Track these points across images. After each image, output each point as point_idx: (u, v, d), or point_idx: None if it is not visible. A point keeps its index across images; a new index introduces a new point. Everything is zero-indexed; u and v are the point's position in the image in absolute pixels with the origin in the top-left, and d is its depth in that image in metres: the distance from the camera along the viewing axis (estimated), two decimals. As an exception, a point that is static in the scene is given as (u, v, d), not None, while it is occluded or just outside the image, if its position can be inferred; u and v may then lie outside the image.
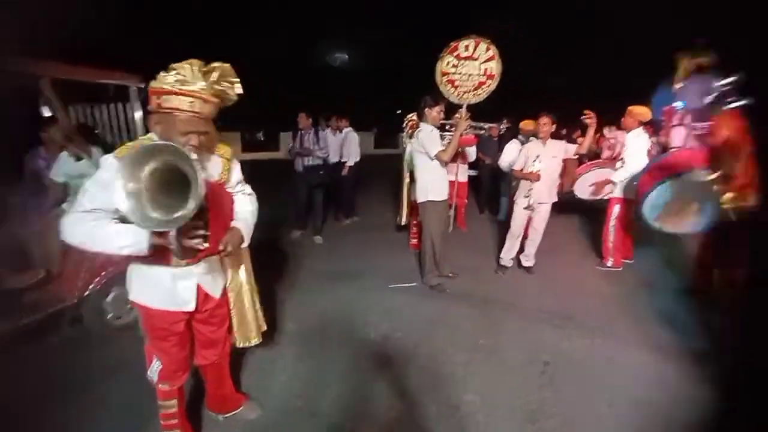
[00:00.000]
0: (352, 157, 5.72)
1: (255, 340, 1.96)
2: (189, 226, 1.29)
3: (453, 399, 2.21)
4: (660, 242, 4.38)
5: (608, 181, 4.01)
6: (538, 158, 3.64)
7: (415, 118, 4.00)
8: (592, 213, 5.51)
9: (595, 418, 2.09)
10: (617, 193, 4.02)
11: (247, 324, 1.93)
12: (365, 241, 5.06)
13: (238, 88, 1.50)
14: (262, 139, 18.92)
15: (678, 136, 3.96)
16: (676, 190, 3.09)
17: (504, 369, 2.49)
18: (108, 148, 3.26)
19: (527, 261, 4.05)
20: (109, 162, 1.35)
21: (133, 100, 3.21)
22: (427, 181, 3.42)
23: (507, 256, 4.02)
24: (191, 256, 1.42)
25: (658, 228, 3.20)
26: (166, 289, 1.54)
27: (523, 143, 4.84)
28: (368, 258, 4.43)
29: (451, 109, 4.55)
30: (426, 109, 3.37)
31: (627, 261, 4.19)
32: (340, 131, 5.74)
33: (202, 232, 1.36)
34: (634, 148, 3.88)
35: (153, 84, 1.36)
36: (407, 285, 3.69)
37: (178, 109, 1.35)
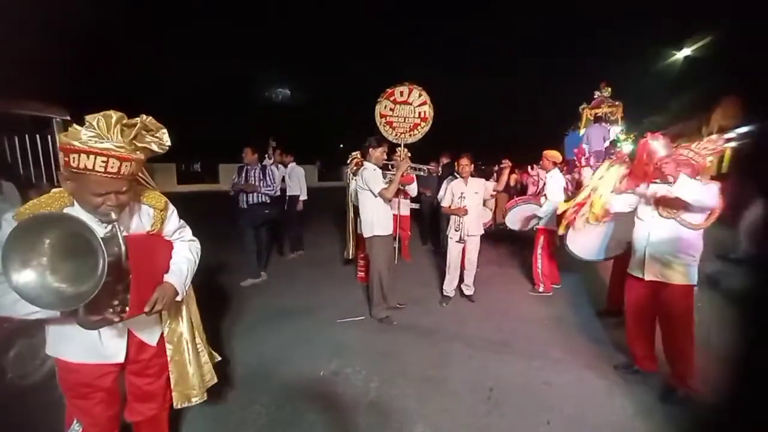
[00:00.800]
0: (304, 191, 5.75)
1: (197, 399, 1.75)
2: (101, 298, 1.15)
3: (405, 431, 2.23)
4: (582, 267, 4.87)
5: (532, 216, 4.48)
6: (462, 195, 3.97)
7: (358, 156, 4.17)
8: (523, 242, 5.99)
9: (534, 433, 2.23)
10: (542, 224, 4.47)
11: (188, 380, 1.74)
12: (313, 276, 4.99)
13: (166, 140, 1.38)
14: (199, 170, 18.11)
15: (587, 174, 4.59)
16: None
17: (452, 398, 2.56)
18: (23, 183, 2.97)
19: (468, 290, 4.28)
20: (9, 221, 1.19)
21: (54, 133, 2.99)
22: (372, 217, 3.54)
23: (449, 287, 4.22)
24: (106, 325, 1.29)
25: (578, 256, 3.60)
26: (89, 340, 1.38)
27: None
28: (316, 293, 4.37)
29: (391, 147, 4.86)
30: (370, 149, 3.55)
31: (555, 286, 4.60)
32: (285, 166, 5.76)
33: (117, 302, 1.24)
34: (552, 186, 4.39)
35: (62, 139, 1.20)
36: (356, 319, 3.69)
37: (90, 170, 1.19)
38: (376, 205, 3.51)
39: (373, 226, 3.53)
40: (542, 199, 4.49)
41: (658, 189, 2.47)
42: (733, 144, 4.46)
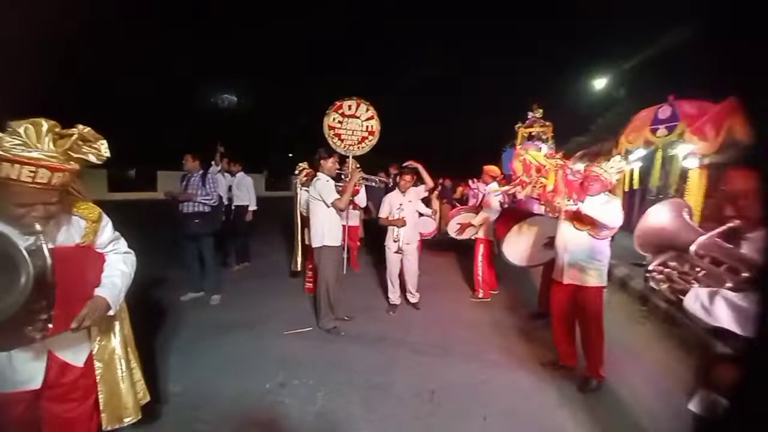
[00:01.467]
0: (253, 201, 5.64)
1: (130, 419, 1.68)
2: (20, 314, 1.08)
3: (351, 438, 2.31)
4: (517, 274, 5.27)
5: (470, 224, 4.79)
6: (401, 207, 4.16)
7: (306, 166, 4.23)
8: (465, 251, 6.33)
9: (472, 429, 2.41)
10: (481, 234, 4.80)
11: (120, 399, 1.65)
12: (259, 288, 4.91)
13: (105, 151, 1.34)
14: (134, 177, 16.84)
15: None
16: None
17: (397, 402, 2.67)
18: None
19: (413, 298, 4.45)
20: None
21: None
22: (323, 227, 3.60)
23: (393, 296, 4.37)
24: (25, 345, 1.22)
25: (512, 262, 3.93)
26: None
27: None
28: (262, 305, 4.30)
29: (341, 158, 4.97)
30: (321, 161, 3.63)
31: (493, 292, 4.93)
32: (232, 175, 5.64)
33: (40, 318, 1.17)
34: (491, 199, 4.75)
35: None
36: (303, 330, 3.70)
37: (15, 180, 1.12)
38: (328, 215, 3.58)
39: (323, 236, 3.59)
40: (481, 212, 4.84)
41: (569, 207, 2.81)
42: (637, 164, 5.16)
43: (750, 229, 1.31)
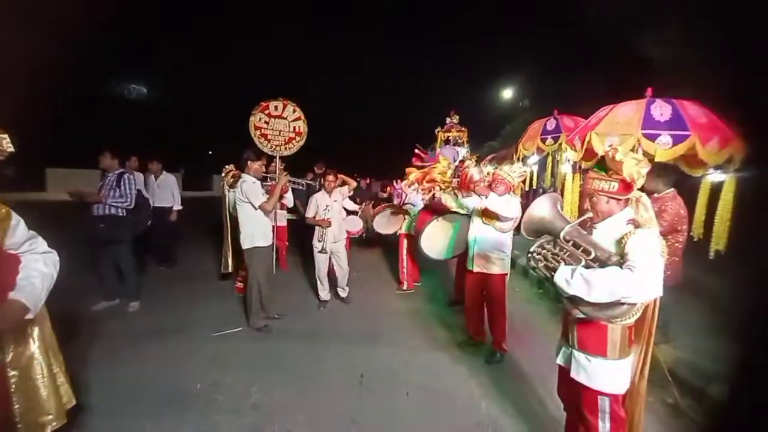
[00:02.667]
0: (178, 201, 5.35)
1: (56, 423, 1.61)
2: None
3: (288, 424, 2.44)
4: (437, 266, 5.76)
5: (403, 212, 5.12)
6: (327, 207, 4.35)
7: (233, 167, 4.19)
8: (390, 246, 6.72)
9: (398, 404, 2.70)
10: (404, 229, 5.18)
11: (41, 406, 1.58)
12: (185, 292, 4.73)
13: (8, 145, 1.31)
14: (15, 175, 14.35)
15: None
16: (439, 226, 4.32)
17: (329, 389, 2.86)
18: None
19: (343, 293, 4.66)
20: None
21: None
22: (252, 229, 3.63)
23: (323, 293, 4.53)
24: None
25: (429, 255, 4.33)
26: None
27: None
28: (188, 309, 4.18)
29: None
30: (249, 162, 3.65)
31: (417, 283, 5.35)
32: (154, 174, 5.34)
33: None
34: (412, 197, 5.15)
35: None
36: (233, 330, 3.69)
37: None
38: (256, 216, 3.61)
39: (253, 237, 3.62)
40: (406, 207, 5.22)
41: (478, 203, 3.26)
42: (534, 167, 6.00)
43: (598, 220, 1.76)
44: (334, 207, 4.37)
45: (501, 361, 3.30)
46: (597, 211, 1.74)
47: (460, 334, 3.80)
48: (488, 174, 3.56)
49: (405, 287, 5.17)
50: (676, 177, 3.25)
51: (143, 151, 5.45)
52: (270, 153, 5.54)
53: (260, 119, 5.54)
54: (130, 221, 4.13)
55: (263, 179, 3.94)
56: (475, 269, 3.33)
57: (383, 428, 2.47)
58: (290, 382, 2.92)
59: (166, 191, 5.42)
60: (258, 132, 5.52)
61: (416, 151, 5.46)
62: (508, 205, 3.11)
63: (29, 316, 1.43)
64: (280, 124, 5.73)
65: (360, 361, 3.28)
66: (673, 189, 3.10)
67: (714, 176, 3.43)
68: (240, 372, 2.99)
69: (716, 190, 3.32)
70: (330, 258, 4.45)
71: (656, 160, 3.05)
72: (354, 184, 4.55)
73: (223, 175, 4.20)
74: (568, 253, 1.72)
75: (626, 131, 3.21)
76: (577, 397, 1.80)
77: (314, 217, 4.35)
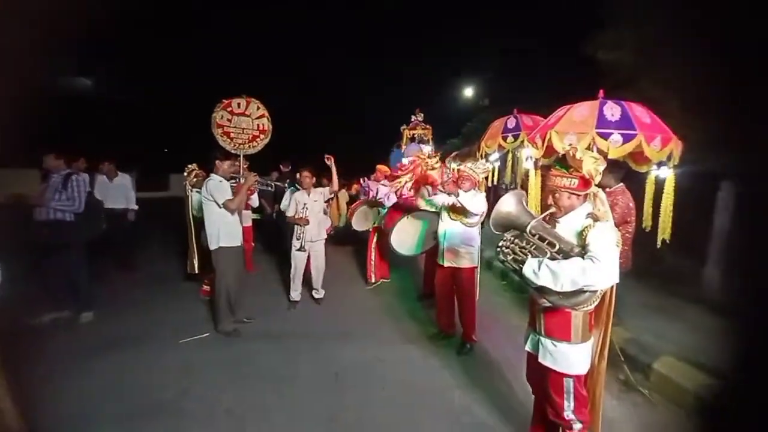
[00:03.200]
0: (133, 201, 5.07)
1: None
2: None
3: (264, 427, 2.42)
4: (406, 262, 5.85)
5: (379, 204, 5.16)
6: (305, 206, 4.32)
7: (196, 167, 4.04)
8: (360, 244, 6.72)
9: (374, 400, 2.74)
10: (375, 223, 5.22)
11: None
12: (145, 298, 4.50)
13: None
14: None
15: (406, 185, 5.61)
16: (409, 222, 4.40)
17: (304, 389, 2.85)
18: None
19: (317, 294, 4.62)
20: None
21: None
22: (218, 228, 3.52)
23: (295, 293, 4.47)
24: None
25: (399, 251, 4.41)
26: None
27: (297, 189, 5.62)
28: (151, 315, 4.00)
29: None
30: (217, 162, 3.56)
31: (385, 279, 5.41)
32: (108, 175, 5.04)
33: None
34: (382, 193, 5.20)
35: None
36: (201, 336, 3.57)
37: None
38: (222, 215, 3.50)
39: (219, 237, 3.51)
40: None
41: (447, 199, 3.36)
42: (496, 164, 6.23)
43: (561, 215, 1.88)
44: (314, 206, 4.34)
45: (471, 351, 3.43)
46: (560, 206, 1.86)
47: (430, 327, 3.90)
48: (454, 170, 3.66)
49: (373, 280, 5.21)
50: (625, 173, 3.52)
51: (92, 150, 5.12)
52: (233, 151, 5.36)
53: (222, 117, 5.33)
54: (80, 226, 3.82)
55: (231, 179, 3.82)
56: (446, 263, 3.43)
57: (362, 424, 2.50)
58: (264, 385, 2.87)
59: (120, 192, 5.12)
60: (220, 130, 5.31)
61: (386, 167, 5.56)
62: (474, 201, 3.23)
63: None
64: (244, 122, 5.55)
65: (334, 359, 3.28)
66: (622, 184, 3.36)
67: (658, 172, 3.74)
68: (210, 379, 2.91)
69: (660, 184, 3.63)
70: (308, 257, 4.41)
71: (609, 157, 3.28)
72: (336, 187, 4.51)
73: (185, 174, 4.02)
74: (534, 246, 1.83)
75: (582, 130, 3.41)
76: (544, 380, 1.93)
77: (294, 216, 4.30)
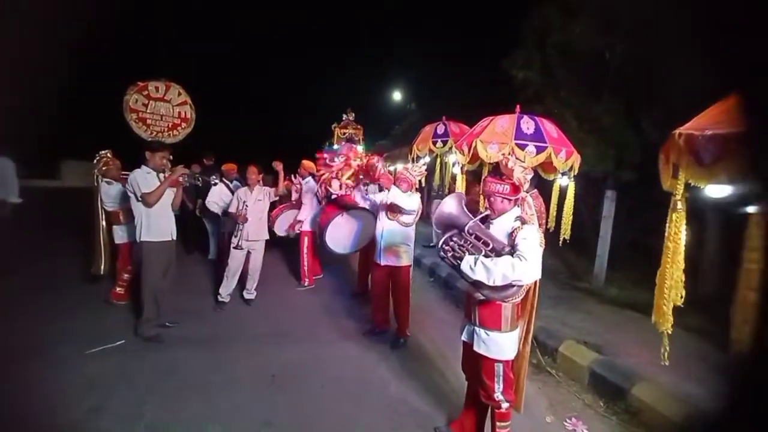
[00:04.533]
0: (15, 190, 4.27)
1: None
2: None
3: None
4: (337, 260, 5.86)
5: (298, 221, 5.07)
6: (245, 203, 4.15)
7: (109, 154, 3.60)
8: (289, 244, 6.55)
9: (313, 398, 2.75)
10: (306, 227, 5.13)
11: None
12: (40, 303, 3.88)
13: None
14: None
15: (336, 184, 5.59)
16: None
17: (239, 393, 2.74)
18: None
19: (249, 294, 4.43)
20: None
21: None
22: (146, 220, 3.23)
23: (225, 291, 4.24)
24: None
25: (333, 250, 4.43)
26: None
27: (227, 185, 5.27)
28: (50, 324, 3.47)
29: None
30: (147, 153, 3.28)
31: (317, 277, 5.37)
32: None
33: None
34: (308, 193, 5.12)
35: None
36: (113, 345, 3.19)
37: None
38: (145, 208, 3.21)
39: (141, 231, 3.21)
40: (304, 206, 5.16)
41: (382, 197, 3.48)
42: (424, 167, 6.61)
43: (494, 217, 2.10)
44: (257, 206, 4.20)
45: (405, 345, 3.60)
46: (494, 209, 2.08)
47: (365, 323, 4.00)
48: (391, 173, 3.82)
49: (306, 283, 5.14)
50: (537, 180, 4.01)
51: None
52: (149, 139, 4.87)
53: (137, 101, 4.84)
54: None
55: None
56: (383, 262, 3.55)
57: (300, 424, 2.49)
58: (193, 393, 2.69)
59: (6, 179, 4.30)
60: (134, 115, 4.81)
61: (319, 155, 5.47)
62: (409, 200, 3.40)
63: None
64: (163, 108, 5.10)
65: (269, 361, 3.20)
66: (535, 189, 3.81)
67: (561, 180, 4.31)
68: (128, 391, 2.63)
69: (563, 191, 4.20)
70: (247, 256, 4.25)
71: (524, 165, 3.70)
72: (281, 189, 4.39)
73: (95, 161, 3.55)
74: (471, 244, 2.02)
75: (503, 140, 3.79)
76: (477, 366, 2.14)
77: (235, 212, 4.13)
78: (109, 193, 3.77)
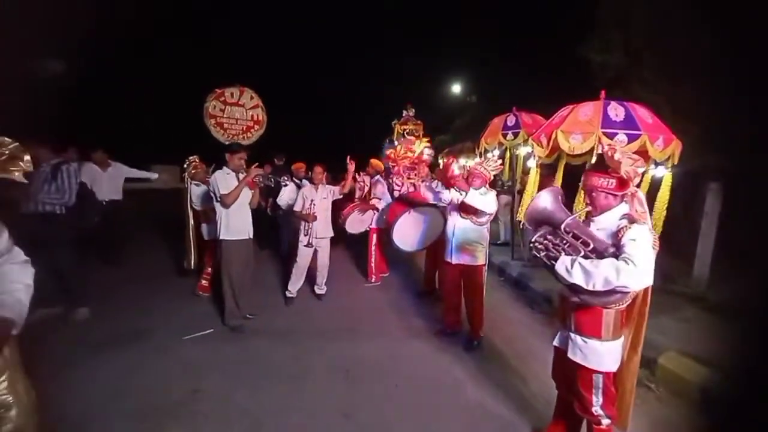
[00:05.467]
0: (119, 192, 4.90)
1: None
2: None
3: (282, 427, 2.38)
4: (404, 257, 5.84)
5: (373, 207, 5.05)
6: (312, 202, 4.24)
7: (197, 159, 3.90)
8: (354, 241, 6.66)
9: (387, 397, 2.73)
10: (374, 224, 5.16)
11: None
12: (141, 294, 4.34)
13: (29, 165, 1.33)
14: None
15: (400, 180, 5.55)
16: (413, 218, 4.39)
17: (316, 386, 2.81)
18: None
19: (320, 290, 4.56)
20: None
21: None
22: (226, 219, 3.44)
23: (294, 287, 4.38)
24: None
25: (401, 248, 4.39)
26: None
27: (297, 184, 5.47)
28: (149, 312, 3.86)
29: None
30: (227, 155, 3.48)
31: (384, 275, 5.38)
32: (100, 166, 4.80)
33: None
34: (379, 189, 5.14)
35: None
36: (204, 333, 3.46)
37: None
38: (229, 208, 3.42)
39: (225, 228, 3.44)
40: (375, 201, 5.18)
41: (455, 195, 3.34)
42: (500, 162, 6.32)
43: (596, 214, 1.90)
44: (321, 204, 4.27)
45: (479, 346, 3.46)
46: (596, 205, 1.88)
47: (435, 323, 3.92)
48: (463, 167, 3.65)
49: (373, 280, 5.18)
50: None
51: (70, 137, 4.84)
52: (226, 142, 5.21)
53: (215, 107, 5.20)
54: (71, 219, 3.63)
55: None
56: (454, 261, 3.43)
57: (377, 420, 2.49)
58: (275, 382, 2.82)
59: (114, 184, 4.87)
60: (213, 120, 5.18)
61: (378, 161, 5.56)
62: (485, 200, 3.23)
63: (14, 332, 1.33)
64: (237, 112, 5.42)
65: (343, 355, 3.25)
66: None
67: (656, 171, 3.86)
68: (221, 377, 2.83)
69: (656, 183, 3.75)
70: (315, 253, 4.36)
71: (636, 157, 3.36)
72: (347, 187, 4.42)
73: (185, 166, 3.88)
74: (568, 243, 1.84)
75: (588, 130, 3.47)
76: (572, 376, 1.96)
77: (301, 212, 4.24)
78: (196, 193, 4.09)
